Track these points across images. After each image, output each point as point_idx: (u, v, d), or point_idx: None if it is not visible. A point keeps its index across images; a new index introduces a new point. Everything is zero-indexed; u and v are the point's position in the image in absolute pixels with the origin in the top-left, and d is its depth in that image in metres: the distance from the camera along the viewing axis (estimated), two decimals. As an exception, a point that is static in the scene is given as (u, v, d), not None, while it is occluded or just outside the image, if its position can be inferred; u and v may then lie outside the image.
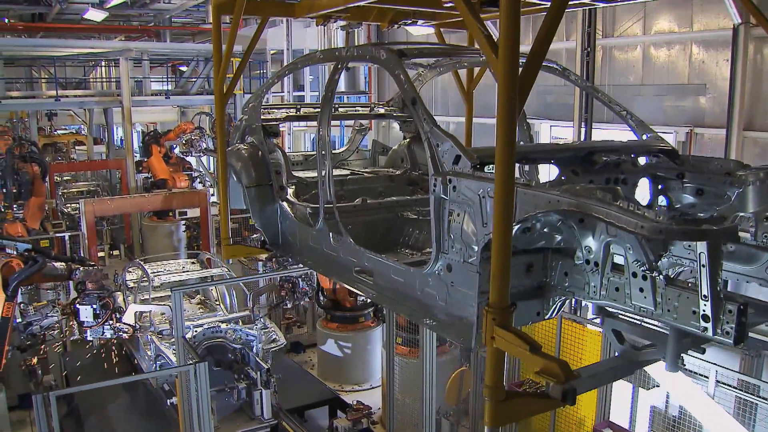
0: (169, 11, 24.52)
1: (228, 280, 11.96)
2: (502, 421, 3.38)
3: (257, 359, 10.11)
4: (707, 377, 7.99)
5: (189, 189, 19.34)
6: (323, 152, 5.24)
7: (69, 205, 20.07)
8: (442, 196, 4.05)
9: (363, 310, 13.07)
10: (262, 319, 11.25)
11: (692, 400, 7.93)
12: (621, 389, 9.00)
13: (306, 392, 11.51)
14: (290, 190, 6.06)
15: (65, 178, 24.97)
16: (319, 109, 5.50)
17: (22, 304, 10.39)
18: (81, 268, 9.91)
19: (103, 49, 22.22)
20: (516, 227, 3.61)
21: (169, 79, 25.98)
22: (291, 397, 10.92)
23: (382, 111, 7.24)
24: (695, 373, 8.13)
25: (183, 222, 19.16)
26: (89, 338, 10.57)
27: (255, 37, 6.32)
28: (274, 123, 6.44)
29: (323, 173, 5.26)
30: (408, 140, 7.05)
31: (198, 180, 21.09)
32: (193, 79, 23.08)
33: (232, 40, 5.96)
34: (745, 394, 7.70)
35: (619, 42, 12.43)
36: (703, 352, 4.19)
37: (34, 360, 11.51)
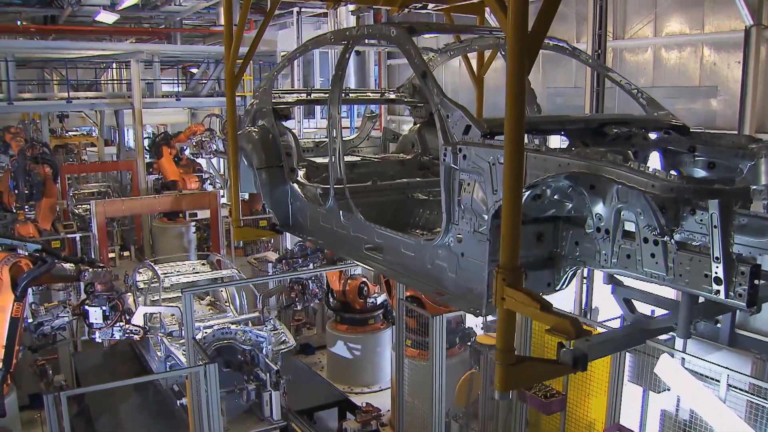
0: (180, 14, 24.60)
1: (238, 281, 11.99)
2: (512, 386, 3.34)
3: (267, 361, 10.12)
4: (718, 381, 7.94)
5: (199, 190, 19.40)
6: (333, 131, 5.27)
7: (80, 206, 20.18)
8: (453, 165, 4.06)
9: (372, 312, 13.07)
10: (271, 321, 11.27)
11: (703, 404, 7.89)
12: (631, 392, 8.96)
13: (315, 394, 11.52)
14: (301, 173, 6.08)
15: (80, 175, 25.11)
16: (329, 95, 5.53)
17: (33, 305, 10.45)
18: (90, 270, 9.96)
19: (115, 51, 22.32)
20: (526, 194, 3.60)
21: (179, 81, 26.07)
22: (300, 398, 10.92)
23: (392, 96, 7.26)
24: (706, 376, 8.08)
25: (193, 223, 19.22)
26: (98, 340, 10.63)
27: (268, 15, 6.22)
28: (285, 106, 6.45)
29: (333, 151, 5.29)
30: (418, 125, 7.03)
31: (208, 181, 21.16)
32: (204, 81, 23.16)
33: (243, 19, 5.91)
34: (756, 398, 7.65)
35: (629, 44, 12.40)
36: (716, 323, 4.17)
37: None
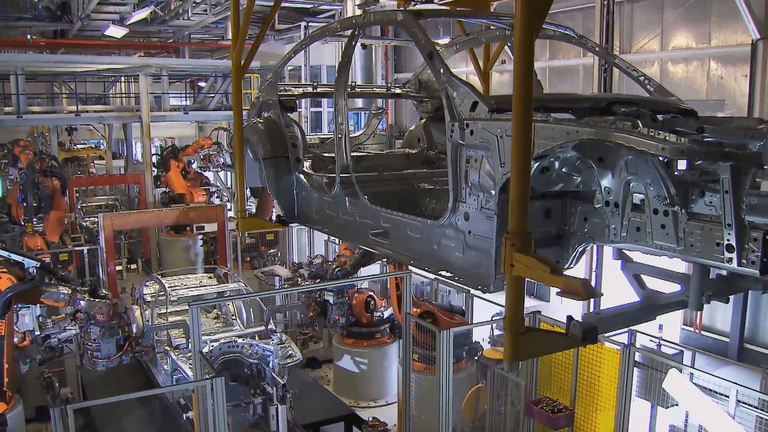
0: (188, 28, 24.79)
1: (245, 295, 11.99)
2: (521, 356, 3.27)
3: (273, 374, 10.10)
4: (727, 396, 7.90)
5: (206, 204, 19.46)
6: (339, 117, 5.29)
7: (88, 219, 20.26)
8: (460, 141, 4.07)
9: (379, 326, 13.03)
10: (278, 334, 11.26)
11: (712, 420, 7.83)
12: (639, 408, 8.92)
13: (322, 408, 11.47)
14: (306, 164, 6.10)
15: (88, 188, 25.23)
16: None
17: (40, 317, 10.45)
18: (86, 299, 9.85)
19: (123, 65, 22.49)
20: (534, 166, 3.59)
21: (187, 95, 26.23)
22: (307, 412, 10.89)
23: (398, 91, 7.27)
24: (715, 392, 8.04)
25: (200, 236, 19.28)
26: (101, 367, 10.63)
27: (272, 12, 6.23)
28: (291, 98, 6.46)
29: (339, 138, 5.30)
30: (424, 120, 7.03)
31: (215, 195, 21.23)
32: (212, 95, 23.29)
33: (250, 8, 5.91)
34: (766, 413, 7.60)
35: (636, 58, 12.42)
36: (727, 301, 4.12)
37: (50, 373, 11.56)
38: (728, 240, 3.13)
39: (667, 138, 3.15)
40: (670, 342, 10.38)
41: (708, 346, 12.62)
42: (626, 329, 9.39)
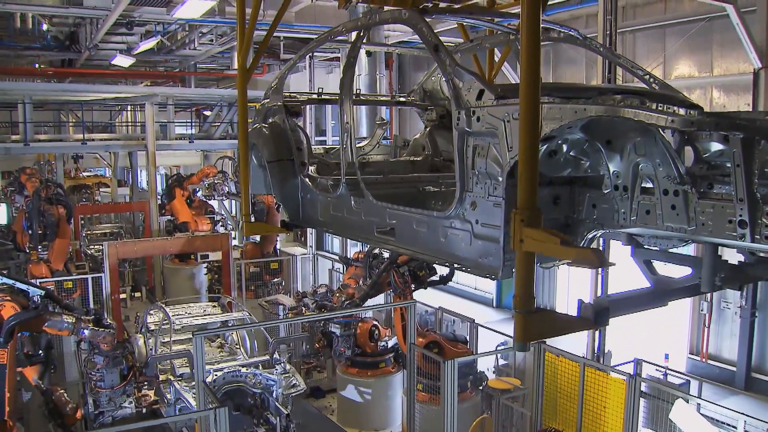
0: (195, 57, 25.07)
1: (249, 324, 11.95)
2: (531, 335, 3.18)
3: (277, 404, 10.04)
4: (735, 427, 7.83)
5: (211, 232, 19.49)
6: (344, 116, 5.32)
7: (92, 246, 20.28)
8: (466, 128, 4.08)
9: (384, 356, 12.97)
10: (282, 363, 11.21)
11: (720, 451, 7.76)
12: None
13: (325, 438, 11.39)
14: (311, 168, 6.12)
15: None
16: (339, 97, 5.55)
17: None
18: (89, 328, 9.78)
19: (130, 94, 22.70)
20: (543, 149, 3.57)
21: (193, 123, 26.42)
22: (310, 442, 10.81)
23: (402, 100, 7.30)
24: (723, 423, 7.97)
25: (204, 265, 19.27)
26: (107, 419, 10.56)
27: (278, 16, 6.25)
28: (296, 103, 6.47)
29: (344, 138, 5.33)
30: (429, 129, 7.03)
31: (220, 223, 21.28)
32: (217, 124, 23.47)
33: (255, 14, 5.91)
34: (775, 445, 7.52)
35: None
36: (740, 289, 4.06)
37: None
38: (741, 216, 3.08)
39: (676, 111, 3.12)
40: (676, 371, 10.31)
41: (715, 376, 12.53)
42: (632, 359, 9.33)
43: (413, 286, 11.13)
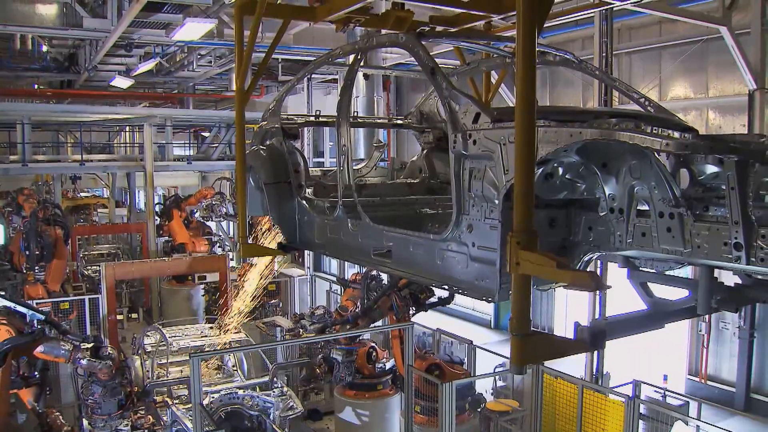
0: (193, 79, 25.15)
1: (247, 346, 11.91)
2: (527, 359, 3.16)
3: (274, 427, 9.98)
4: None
5: (208, 253, 19.46)
6: (342, 139, 5.34)
7: (90, 267, 20.23)
8: (462, 152, 4.08)
9: (381, 378, 12.90)
10: (279, 385, 11.16)
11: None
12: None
13: (323, 461, 11.29)
14: (309, 190, 6.13)
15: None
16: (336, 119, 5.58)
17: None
18: (87, 358, 9.66)
19: (128, 115, 22.76)
20: (538, 172, 3.58)
21: (191, 145, 26.48)
22: (308, 465, 10.72)
23: (400, 122, 7.32)
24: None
25: (202, 286, 19.21)
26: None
27: (276, 38, 6.30)
28: (294, 125, 6.48)
29: (342, 161, 5.34)
30: (426, 151, 7.03)
31: (218, 245, 21.24)
32: (215, 145, 23.51)
33: (254, 37, 5.96)
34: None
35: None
36: (736, 311, 4.06)
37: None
38: (736, 238, 3.09)
39: (670, 134, 3.15)
40: (675, 393, 10.26)
41: (714, 397, 12.47)
42: (631, 381, 9.29)
43: (413, 309, 11.10)
